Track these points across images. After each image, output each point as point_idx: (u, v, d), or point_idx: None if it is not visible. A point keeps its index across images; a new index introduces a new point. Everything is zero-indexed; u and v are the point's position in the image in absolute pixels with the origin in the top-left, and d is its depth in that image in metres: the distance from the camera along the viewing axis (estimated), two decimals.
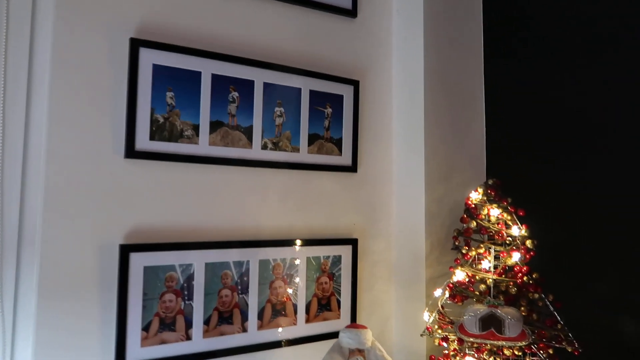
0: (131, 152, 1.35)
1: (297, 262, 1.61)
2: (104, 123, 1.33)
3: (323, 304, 1.66)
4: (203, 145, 1.46)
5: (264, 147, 1.57)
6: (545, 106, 1.75)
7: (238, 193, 1.53)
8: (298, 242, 1.60)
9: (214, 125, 1.48)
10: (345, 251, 1.71)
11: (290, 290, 1.59)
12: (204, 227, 1.47)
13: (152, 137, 1.38)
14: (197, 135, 1.45)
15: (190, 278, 1.42)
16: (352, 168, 1.74)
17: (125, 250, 1.32)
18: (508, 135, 1.85)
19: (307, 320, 1.62)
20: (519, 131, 1.81)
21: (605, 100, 1.60)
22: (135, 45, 1.36)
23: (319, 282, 1.65)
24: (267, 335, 1.54)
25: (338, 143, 1.72)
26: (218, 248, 1.46)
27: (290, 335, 1.58)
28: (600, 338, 1.51)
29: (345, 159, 1.73)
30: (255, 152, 1.55)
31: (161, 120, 1.40)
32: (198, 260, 1.43)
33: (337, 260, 1.69)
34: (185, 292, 1.41)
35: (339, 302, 1.69)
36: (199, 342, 1.42)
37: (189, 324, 1.41)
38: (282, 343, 1.56)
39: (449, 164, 1.78)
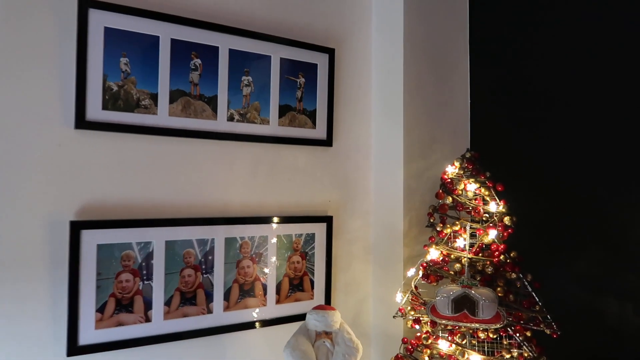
0: (82, 122, 1.26)
1: (267, 240, 1.53)
2: (51, 91, 1.23)
3: (295, 284, 1.58)
4: (162, 116, 1.37)
5: (230, 118, 1.47)
6: (534, 78, 1.65)
7: (202, 167, 1.44)
8: (268, 219, 1.52)
9: (175, 95, 1.38)
10: (319, 229, 1.63)
11: (259, 270, 1.51)
12: (164, 203, 1.38)
13: (105, 107, 1.29)
14: (156, 104, 1.36)
15: (149, 257, 1.34)
16: (327, 142, 1.65)
17: (76, 227, 1.24)
18: (494, 107, 1.75)
19: (278, 301, 1.55)
20: (506, 103, 1.71)
21: (596, 76, 1.50)
22: (84, 5, 1.25)
23: (291, 261, 1.58)
24: (234, 317, 1.47)
25: (312, 115, 1.62)
26: (180, 225, 1.38)
27: (259, 317, 1.51)
28: (581, 319, 1.43)
29: (320, 132, 1.64)
30: (221, 123, 1.46)
31: (115, 88, 1.30)
32: (157, 238, 1.35)
33: (311, 238, 1.62)
34: (144, 272, 1.33)
35: (312, 282, 1.62)
36: (160, 324, 1.35)
37: (148, 305, 1.34)
38: (251, 325, 1.49)
39: (430, 137, 1.69)
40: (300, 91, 1.60)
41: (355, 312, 1.71)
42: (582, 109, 1.53)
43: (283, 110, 1.57)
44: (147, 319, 1.33)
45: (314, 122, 1.63)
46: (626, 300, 1.39)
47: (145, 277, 1.33)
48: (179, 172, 1.40)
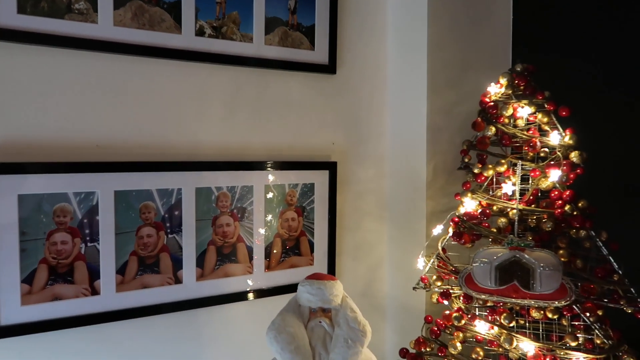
0: None
1: (252, 191, 1.20)
2: None
3: (289, 247, 1.27)
4: (105, 26, 1.05)
5: (200, 32, 1.14)
6: None
7: (163, 97, 1.13)
8: (253, 165, 1.21)
9: None
10: (319, 178, 1.30)
11: (243, 229, 1.19)
12: (111, 142, 1.07)
13: (22, 10, 0.98)
14: (95, 10, 1.03)
15: (92, 211, 1.03)
16: (330, 68, 1.34)
17: None
18: (544, 19, 1.37)
19: (268, 268, 1.25)
20: (561, 12, 1.31)
21: None
22: None
23: (284, 218, 1.26)
24: (211, 288, 1.18)
25: (309, 32, 1.28)
26: (133, 170, 1.09)
27: (244, 287, 1.23)
28: None
29: (320, 54, 1.31)
30: (187, 39, 1.13)
31: None
32: (103, 187, 1.05)
33: (309, 189, 1.29)
34: (87, 231, 1.03)
35: (311, 245, 1.30)
36: (111, 298, 1.07)
37: (94, 274, 1.05)
38: (233, 297, 1.21)
39: (461, 62, 1.36)
40: (294, 0, 1.24)
41: (366, 281, 1.40)
42: None
43: (271, 25, 1.23)
44: (94, 292, 1.05)
45: (312, 42, 1.28)
46: None
47: (88, 238, 1.03)
48: (132, 103, 1.09)
